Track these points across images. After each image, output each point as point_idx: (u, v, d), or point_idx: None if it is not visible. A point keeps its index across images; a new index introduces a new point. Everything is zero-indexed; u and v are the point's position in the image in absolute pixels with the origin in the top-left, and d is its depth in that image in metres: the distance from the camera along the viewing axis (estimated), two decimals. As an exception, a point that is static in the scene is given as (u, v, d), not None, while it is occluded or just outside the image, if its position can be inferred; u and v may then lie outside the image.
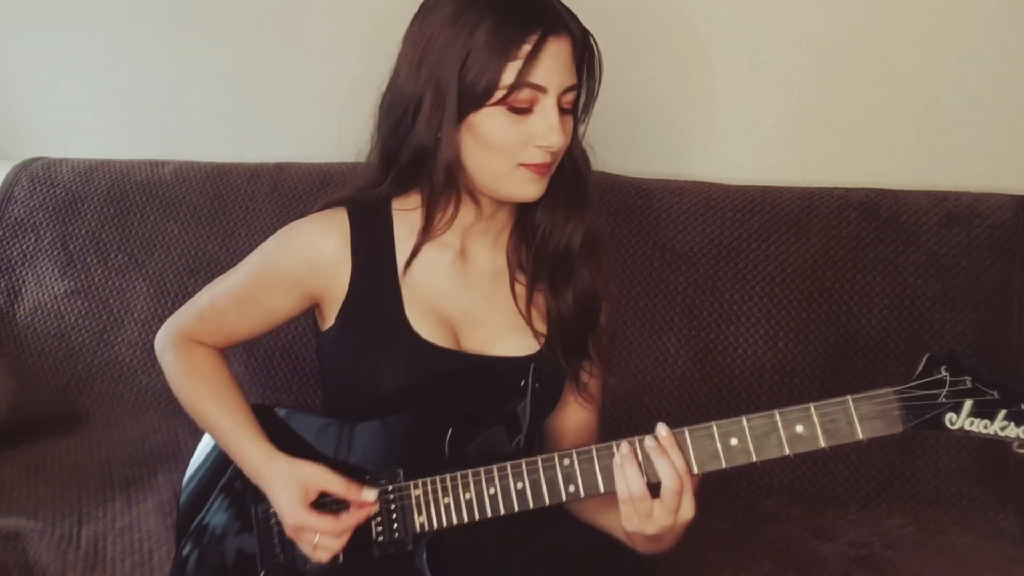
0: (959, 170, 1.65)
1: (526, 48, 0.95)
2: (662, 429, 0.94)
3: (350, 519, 1.02)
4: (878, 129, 1.68)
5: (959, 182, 1.62)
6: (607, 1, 1.71)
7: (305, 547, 1.04)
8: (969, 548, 1.41)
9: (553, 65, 0.96)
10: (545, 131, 0.97)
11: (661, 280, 1.63)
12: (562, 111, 0.99)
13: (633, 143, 1.79)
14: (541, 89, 0.97)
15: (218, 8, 1.94)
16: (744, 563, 1.36)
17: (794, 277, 1.58)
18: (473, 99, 0.97)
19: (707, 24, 1.71)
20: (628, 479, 0.93)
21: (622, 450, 0.94)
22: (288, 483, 1.03)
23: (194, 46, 1.99)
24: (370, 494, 1.03)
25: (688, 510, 0.94)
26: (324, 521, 1.02)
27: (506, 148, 0.99)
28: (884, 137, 1.69)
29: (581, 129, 1.07)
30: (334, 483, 1.03)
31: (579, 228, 1.08)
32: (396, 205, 1.10)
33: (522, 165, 1.00)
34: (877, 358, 1.54)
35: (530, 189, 1.02)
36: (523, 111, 0.97)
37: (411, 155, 1.02)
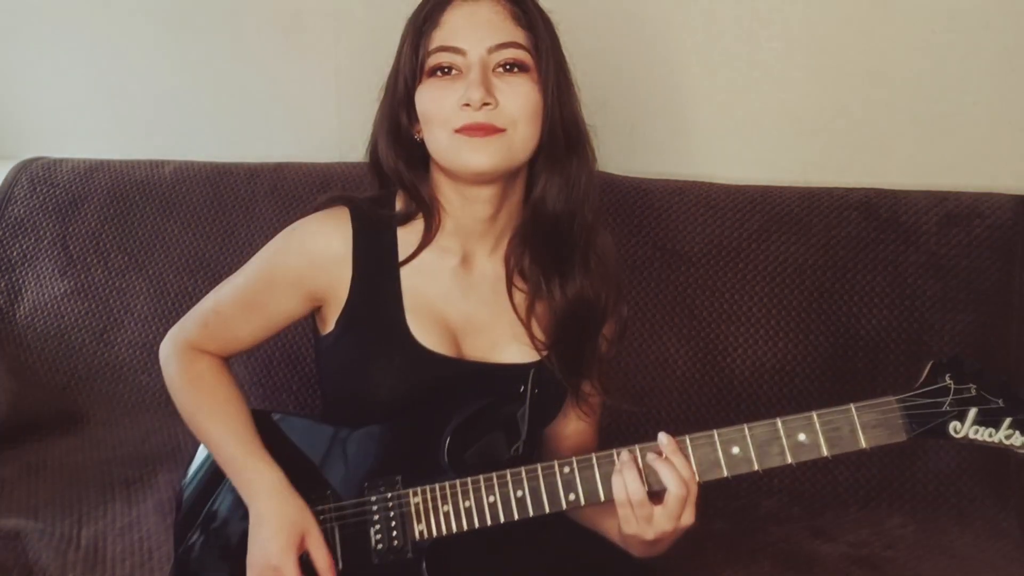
0: (959, 170, 1.65)
1: (438, 15, 1.01)
2: (664, 437, 0.94)
3: None
4: (878, 129, 1.68)
5: (959, 182, 1.62)
6: (607, 1, 1.71)
7: None
8: (969, 548, 1.41)
9: (468, 24, 1.00)
10: (464, 89, 0.98)
11: (661, 280, 1.63)
12: (505, 69, 1.00)
13: (633, 143, 1.79)
14: (458, 51, 1.00)
15: (218, 8, 1.94)
16: (744, 563, 1.36)
17: (794, 277, 1.58)
18: (413, 79, 1.02)
19: (707, 24, 1.71)
20: (628, 484, 0.93)
21: (622, 457, 0.95)
22: (284, 528, 1.01)
23: (193, 46, 1.99)
24: None
25: (689, 516, 0.94)
26: None
27: (440, 116, 1.00)
28: (884, 137, 1.68)
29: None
30: (321, 551, 1.02)
31: (567, 191, 1.05)
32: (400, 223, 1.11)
33: (456, 132, 0.99)
34: (877, 358, 1.54)
35: (474, 157, 0.99)
36: (448, 74, 1.00)
37: (403, 162, 1.06)
